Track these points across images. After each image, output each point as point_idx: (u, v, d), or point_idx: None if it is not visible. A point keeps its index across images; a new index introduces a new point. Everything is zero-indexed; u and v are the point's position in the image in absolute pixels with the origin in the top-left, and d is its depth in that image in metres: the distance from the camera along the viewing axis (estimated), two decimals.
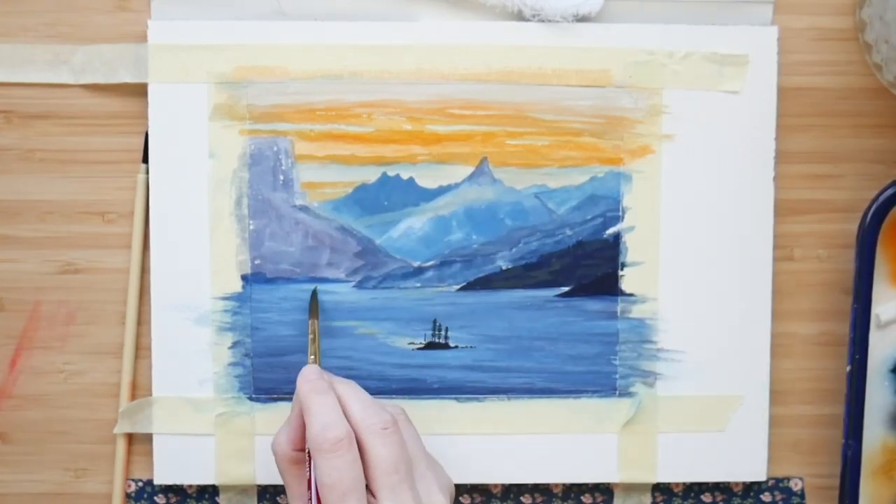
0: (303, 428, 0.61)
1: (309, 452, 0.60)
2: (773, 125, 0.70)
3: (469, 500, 0.73)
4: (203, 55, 0.69)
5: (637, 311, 0.71)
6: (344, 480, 0.58)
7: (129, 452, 0.72)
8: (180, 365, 0.70)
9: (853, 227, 0.70)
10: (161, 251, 0.70)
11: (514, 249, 0.71)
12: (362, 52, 0.69)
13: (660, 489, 0.73)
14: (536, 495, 0.73)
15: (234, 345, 0.71)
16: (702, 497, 0.73)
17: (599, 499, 0.73)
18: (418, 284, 0.71)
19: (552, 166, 0.70)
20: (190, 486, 0.72)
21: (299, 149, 0.70)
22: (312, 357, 0.65)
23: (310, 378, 0.62)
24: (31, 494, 0.73)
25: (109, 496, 0.72)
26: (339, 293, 0.71)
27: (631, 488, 0.72)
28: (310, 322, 0.67)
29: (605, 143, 0.70)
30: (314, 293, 0.69)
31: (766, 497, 0.73)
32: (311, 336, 0.67)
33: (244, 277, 0.70)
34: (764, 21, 0.70)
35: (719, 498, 0.73)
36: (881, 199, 0.68)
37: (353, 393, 0.61)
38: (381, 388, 0.71)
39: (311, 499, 0.59)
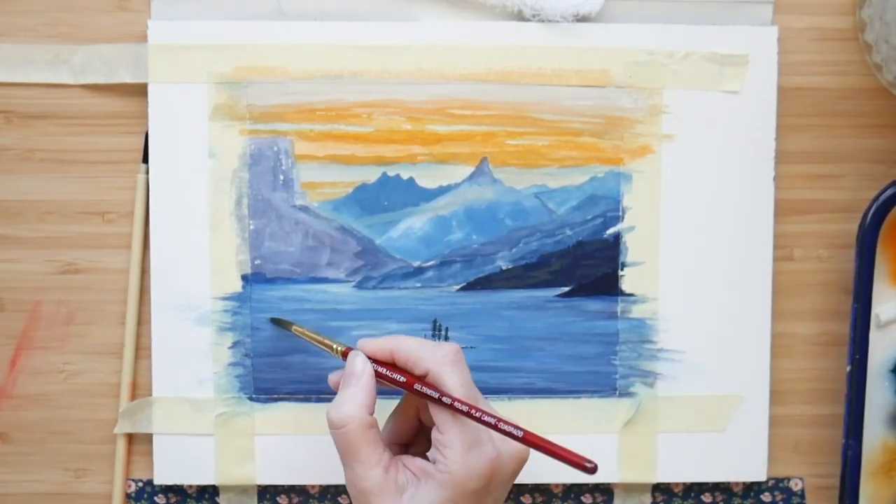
0: (374, 392, 0.62)
1: (414, 380, 0.61)
2: (773, 125, 0.70)
3: None
4: (203, 55, 0.69)
5: (637, 311, 0.71)
6: (469, 388, 0.61)
7: (129, 452, 0.72)
8: (180, 365, 0.70)
9: (853, 227, 0.70)
10: (161, 251, 0.70)
11: (514, 249, 0.71)
12: (362, 52, 0.69)
13: (660, 489, 0.73)
14: (536, 495, 0.73)
15: (234, 345, 0.71)
16: (702, 497, 0.73)
17: (599, 499, 0.73)
18: (418, 284, 0.71)
19: (552, 166, 0.70)
20: (190, 486, 0.72)
21: (299, 149, 0.70)
22: (338, 345, 0.65)
23: (369, 339, 0.63)
24: (31, 494, 0.73)
25: (109, 496, 0.72)
26: (339, 293, 0.71)
27: (631, 488, 0.72)
28: (294, 330, 0.68)
29: (605, 143, 0.70)
30: (274, 320, 0.70)
31: (766, 497, 0.73)
32: (311, 336, 0.67)
33: (244, 277, 0.70)
34: (764, 21, 0.70)
35: (719, 498, 0.73)
36: (881, 199, 0.68)
37: (409, 339, 0.63)
38: (380, 388, 0.71)
39: (455, 406, 0.60)
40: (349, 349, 0.64)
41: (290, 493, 0.72)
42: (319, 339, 0.66)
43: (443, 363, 0.61)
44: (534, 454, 0.70)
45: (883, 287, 0.70)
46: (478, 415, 0.59)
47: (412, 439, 0.65)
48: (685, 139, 0.70)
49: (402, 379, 0.61)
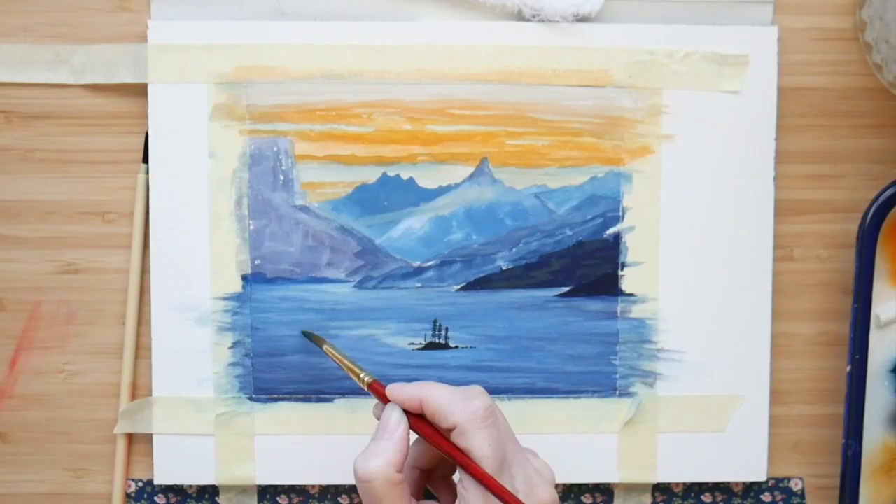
0: (406, 447, 0.59)
1: (442, 436, 0.59)
2: (773, 125, 0.70)
3: None
4: (203, 55, 0.69)
5: (637, 311, 0.71)
6: (500, 446, 0.59)
7: (129, 452, 0.72)
8: (180, 365, 0.70)
9: (853, 227, 0.70)
10: (161, 251, 0.70)
11: (514, 249, 0.71)
12: (362, 52, 0.69)
13: (660, 489, 0.73)
14: None
15: (234, 345, 0.71)
16: (702, 497, 0.73)
17: (599, 499, 0.73)
18: (418, 284, 0.71)
19: (552, 166, 0.70)
20: (190, 486, 0.72)
21: (299, 149, 0.70)
22: (365, 374, 0.63)
23: (401, 385, 0.61)
24: (31, 494, 0.73)
25: (109, 496, 0.72)
26: (339, 293, 0.71)
27: (631, 488, 0.72)
28: (325, 349, 0.67)
29: (605, 143, 0.70)
30: (306, 333, 0.70)
31: (766, 497, 0.73)
32: (339, 359, 0.65)
33: (244, 277, 0.70)
34: (764, 21, 0.70)
35: (719, 498, 0.73)
36: (881, 199, 0.68)
37: (441, 389, 0.60)
38: None
39: (475, 477, 0.58)
40: (376, 382, 0.62)
41: (290, 493, 0.72)
42: (348, 364, 0.65)
43: (472, 419, 0.58)
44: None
45: (883, 287, 0.70)
46: (496, 490, 0.57)
47: (436, 464, 0.63)
48: (685, 139, 0.70)
49: (431, 436, 0.60)
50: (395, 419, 0.60)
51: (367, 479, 0.58)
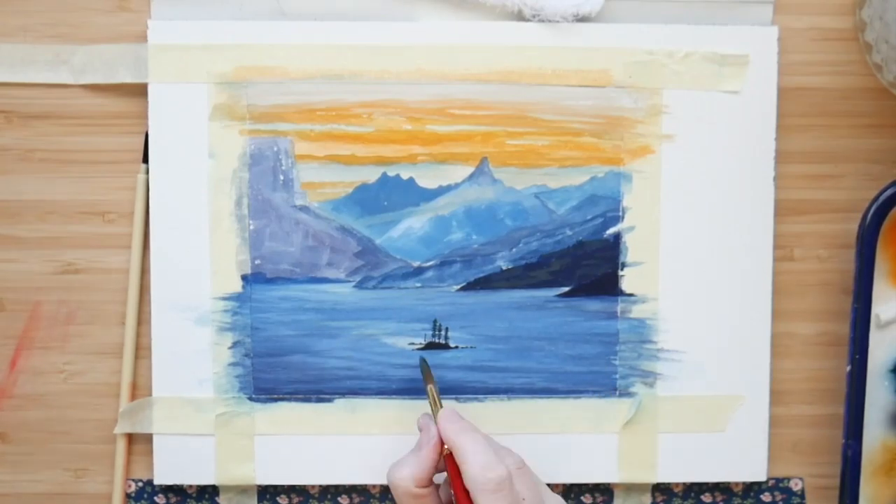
0: (431, 467, 0.63)
1: (460, 483, 0.61)
2: (773, 125, 0.70)
3: None
4: (203, 55, 0.69)
5: (637, 311, 0.71)
6: None
7: (129, 452, 0.72)
8: (180, 365, 0.70)
9: (853, 227, 0.70)
10: (161, 251, 0.70)
11: (514, 249, 0.71)
12: (362, 52, 0.69)
13: (660, 489, 0.73)
14: None
15: (234, 345, 0.71)
16: (702, 497, 0.73)
17: (599, 499, 0.73)
18: (418, 284, 0.71)
19: (552, 166, 0.70)
20: (190, 486, 0.72)
21: (299, 149, 0.70)
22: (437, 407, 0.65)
23: (452, 419, 0.63)
24: (31, 494, 0.73)
25: (109, 496, 0.72)
26: (339, 293, 0.71)
27: (631, 488, 0.72)
28: (427, 388, 0.66)
29: (605, 143, 0.70)
30: (424, 361, 0.68)
31: (766, 497, 0.73)
32: (431, 398, 0.65)
33: (244, 277, 0.70)
34: (764, 21, 0.70)
35: (719, 498, 0.73)
36: (881, 199, 0.68)
37: (473, 445, 0.62)
38: (381, 388, 0.71)
39: None
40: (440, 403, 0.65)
41: (290, 493, 0.72)
42: (436, 403, 0.65)
43: (482, 490, 0.60)
44: (541, 460, 0.70)
45: (883, 287, 0.70)
46: None
47: None
48: (685, 139, 0.70)
49: (453, 479, 0.62)
50: (427, 437, 0.64)
51: (392, 486, 0.63)
